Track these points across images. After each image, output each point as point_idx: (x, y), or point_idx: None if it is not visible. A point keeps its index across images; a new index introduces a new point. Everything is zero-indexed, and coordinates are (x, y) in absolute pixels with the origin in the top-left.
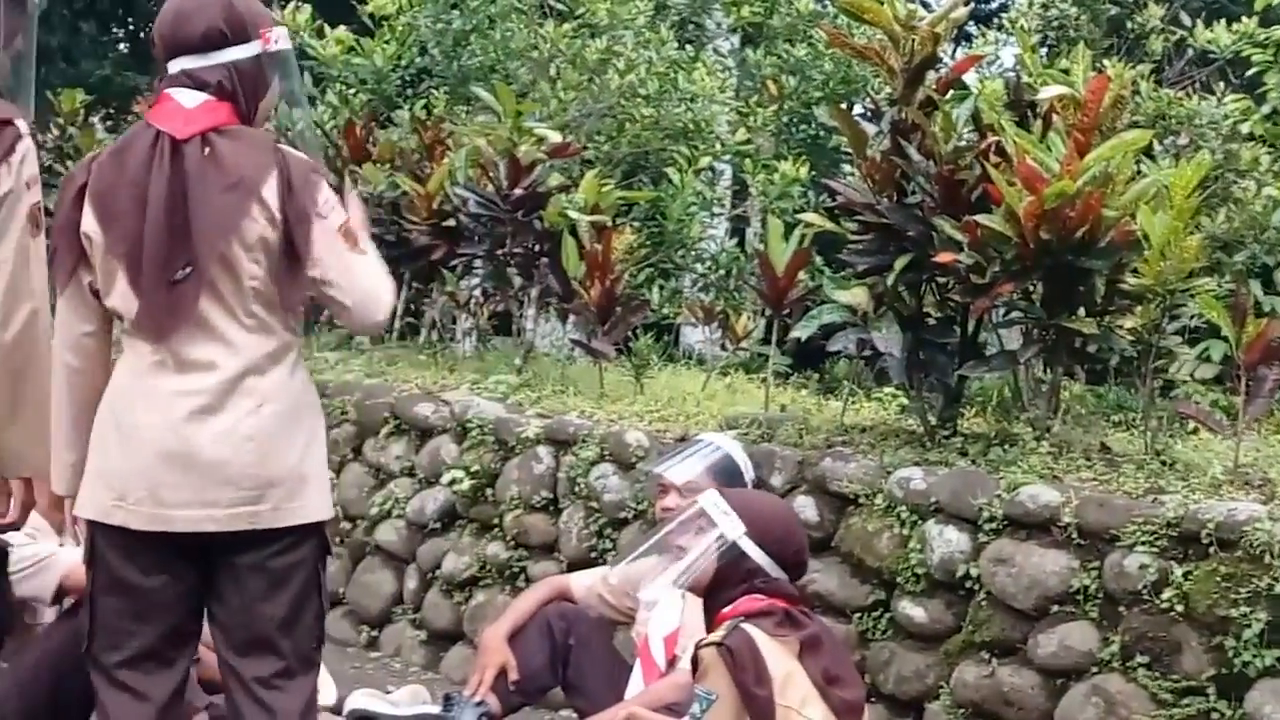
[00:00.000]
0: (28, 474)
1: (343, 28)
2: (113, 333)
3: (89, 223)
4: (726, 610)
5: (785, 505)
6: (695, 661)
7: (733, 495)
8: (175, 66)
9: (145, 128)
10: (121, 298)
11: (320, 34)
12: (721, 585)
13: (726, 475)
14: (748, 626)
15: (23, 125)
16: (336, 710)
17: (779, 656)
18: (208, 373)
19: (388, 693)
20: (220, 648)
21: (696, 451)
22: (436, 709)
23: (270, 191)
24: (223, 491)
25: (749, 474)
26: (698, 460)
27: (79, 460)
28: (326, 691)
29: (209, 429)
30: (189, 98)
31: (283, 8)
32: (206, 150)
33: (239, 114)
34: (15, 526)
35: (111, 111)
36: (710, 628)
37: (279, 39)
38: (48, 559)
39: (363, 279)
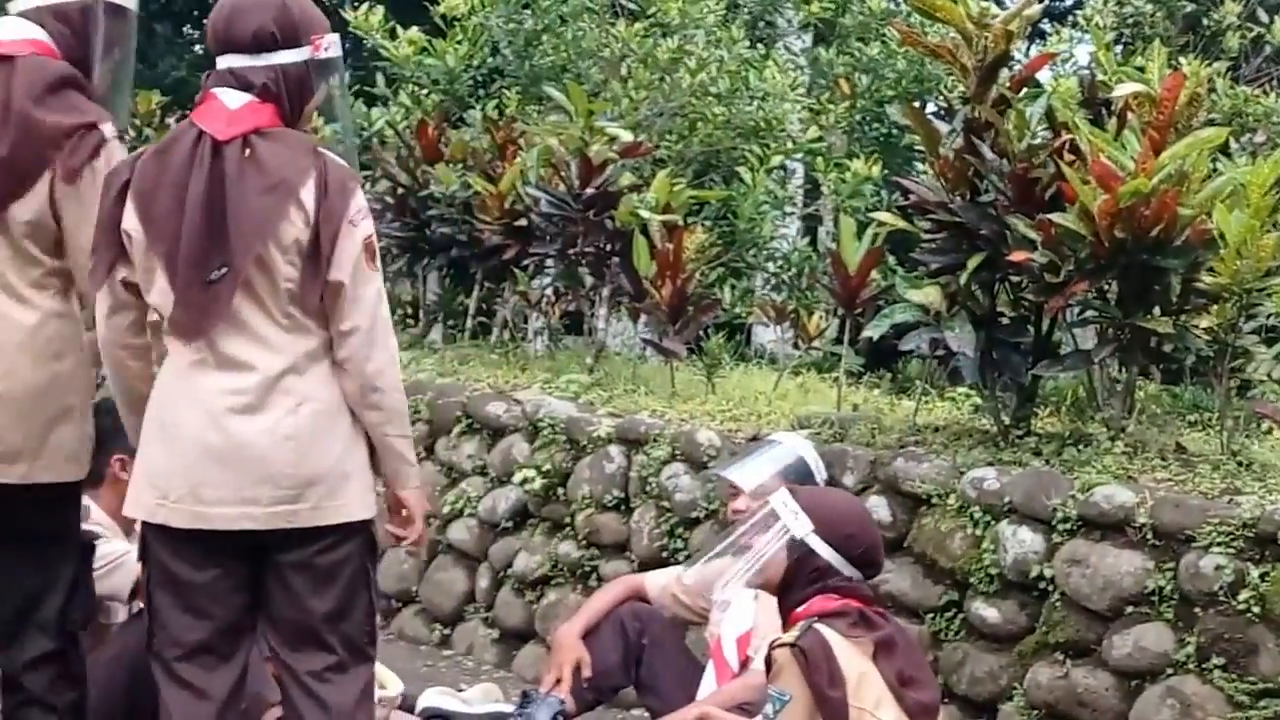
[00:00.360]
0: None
1: (415, 29)
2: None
3: (130, 220)
4: (800, 610)
5: (856, 503)
6: (769, 662)
7: (803, 493)
8: (223, 63)
9: (189, 127)
10: (160, 295)
11: (393, 35)
12: (792, 584)
13: (798, 476)
14: (821, 627)
15: (108, 130)
16: (409, 708)
17: (853, 657)
18: (248, 372)
19: (460, 691)
20: (273, 643)
21: (767, 453)
22: (509, 707)
23: (308, 194)
24: (262, 490)
25: (820, 474)
26: (768, 462)
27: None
28: (392, 684)
29: (249, 428)
30: (233, 98)
31: (355, 9)
32: (247, 152)
33: (282, 116)
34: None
35: (186, 112)
36: (784, 628)
37: (329, 46)
38: (123, 557)
39: (378, 305)
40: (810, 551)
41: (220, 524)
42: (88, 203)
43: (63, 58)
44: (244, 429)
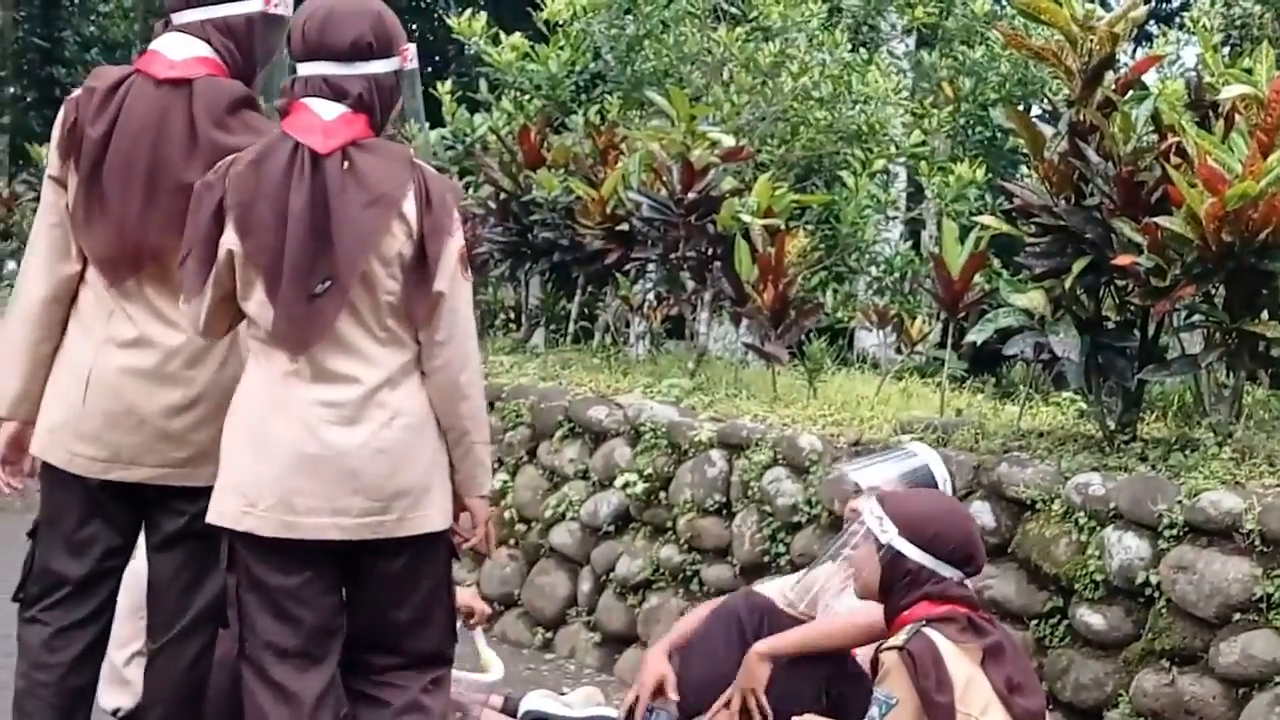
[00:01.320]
0: None
1: (518, 34)
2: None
3: (229, 235)
4: (905, 614)
5: (945, 501)
6: (874, 665)
7: (890, 498)
8: (314, 70)
9: (283, 138)
10: (258, 306)
11: (496, 40)
12: (890, 589)
13: (921, 485)
14: (930, 631)
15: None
16: (512, 711)
17: (961, 663)
18: (346, 385)
19: (562, 694)
20: (349, 644)
21: (894, 458)
22: (611, 711)
23: (410, 206)
24: (353, 501)
25: (946, 488)
26: (893, 466)
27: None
28: (495, 668)
29: (346, 440)
30: (327, 109)
31: (458, 15)
32: (346, 165)
33: (373, 126)
34: None
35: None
36: (890, 633)
37: (413, 57)
38: None
39: (469, 314)
40: (899, 555)
41: (310, 534)
42: None
43: (229, 73)
44: (340, 441)
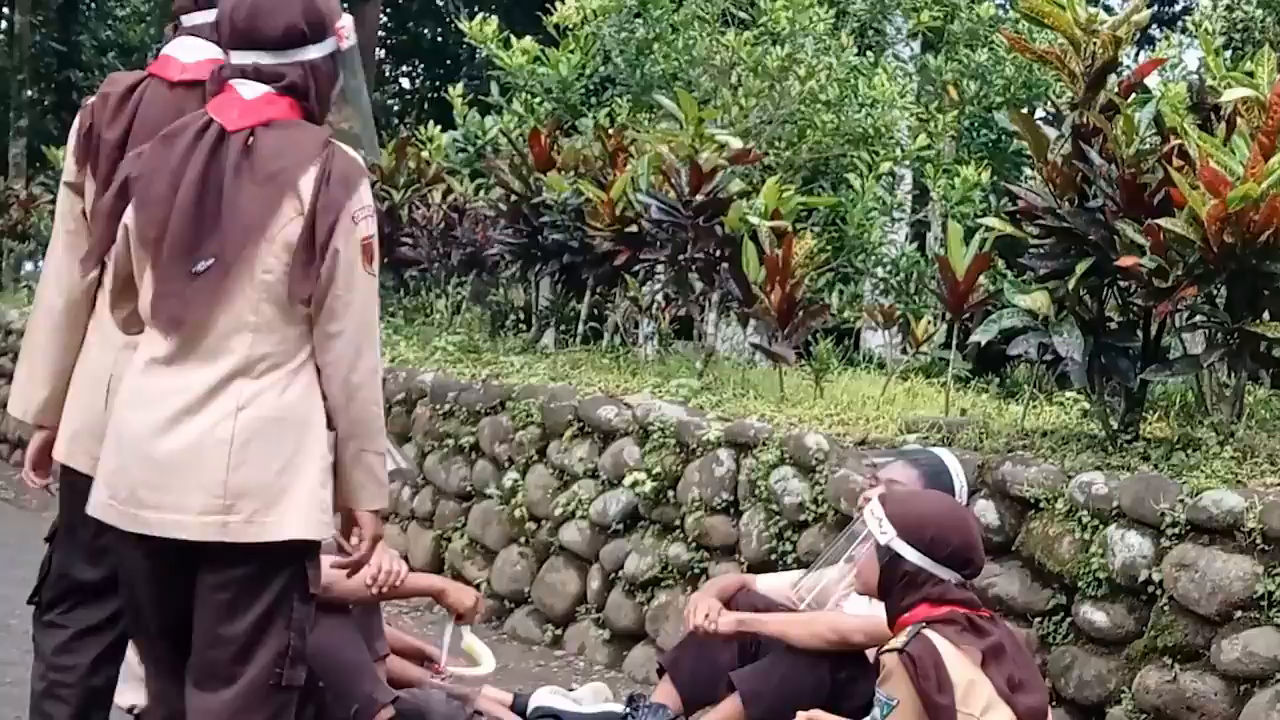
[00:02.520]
0: None
1: (528, 38)
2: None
3: (128, 211)
4: (906, 616)
5: (946, 504)
6: (876, 666)
7: (891, 499)
8: (246, 59)
9: (200, 115)
10: (146, 289)
11: (507, 44)
12: (889, 590)
13: (937, 487)
14: (930, 633)
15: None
16: (520, 710)
17: (961, 665)
18: (199, 370)
19: (571, 690)
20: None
21: (916, 458)
22: (619, 707)
23: (307, 183)
24: (193, 497)
25: (962, 491)
26: (913, 465)
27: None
28: (486, 661)
29: (186, 430)
30: (250, 89)
31: (470, 19)
32: (249, 141)
33: (306, 110)
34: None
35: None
36: (893, 633)
37: (350, 34)
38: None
39: (368, 310)
40: (898, 556)
41: (157, 530)
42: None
43: None
44: (182, 430)
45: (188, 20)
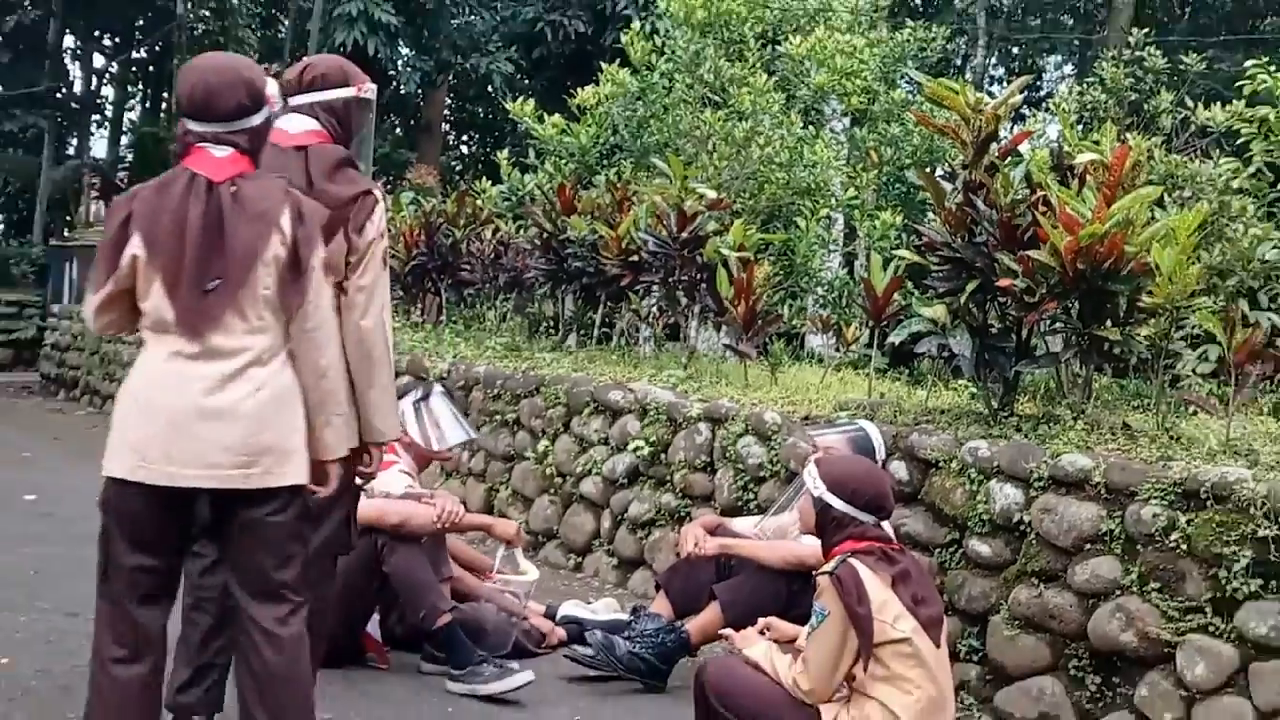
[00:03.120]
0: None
1: (557, 115)
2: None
3: (135, 244)
4: (835, 549)
5: (864, 465)
6: (814, 586)
7: (823, 462)
8: (206, 129)
9: (181, 170)
10: (156, 300)
11: (540, 120)
12: (823, 529)
13: (861, 450)
14: (854, 561)
15: (378, 192)
16: (551, 615)
17: (876, 585)
18: (221, 361)
19: (589, 603)
20: (234, 586)
21: (846, 428)
22: (625, 615)
23: (285, 220)
24: (223, 456)
25: (881, 453)
26: (843, 434)
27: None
28: (531, 571)
29: (217, 407)
30: (218, 150)
31: (513, 101)
32: (234, 190)
33: (254, 163)
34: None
35: (390, 178)
36: (825, 561)
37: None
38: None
39: (328, 310)
40: (828, 505)
41: (189, 482)
42: (369, 246)
43: (333, 140)
44: (213, 407)
45: (295, 101)
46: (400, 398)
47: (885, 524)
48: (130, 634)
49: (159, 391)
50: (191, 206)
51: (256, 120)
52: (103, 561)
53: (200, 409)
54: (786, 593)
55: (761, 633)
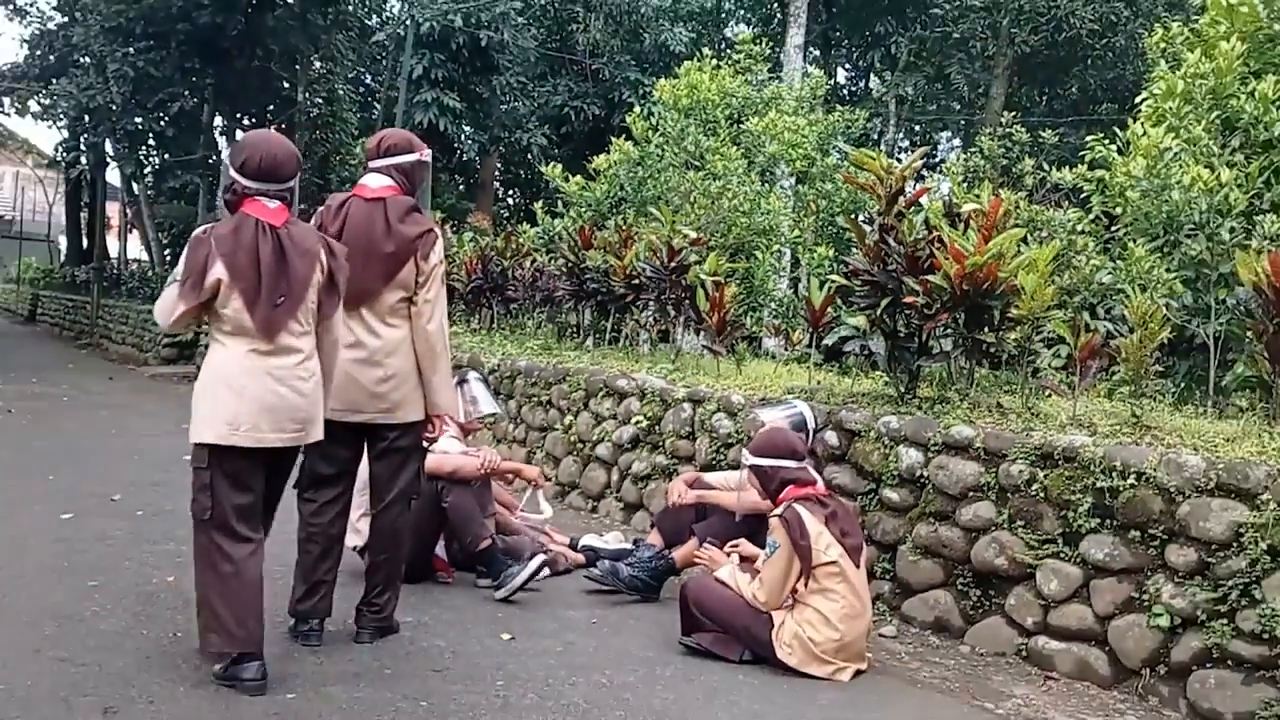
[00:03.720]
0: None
1: (579, 176)
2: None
3: (218, 269)
4: (780, 497)
5: (767, 433)
6: (768, 524)
7: (751, 443)
8: (264, 187)
9: (245, 217)
10: (234, 312)
11: (566, 179)
12: (765, 485)
13: (795, 425)
14: (796, 505)
15: (438, 230)
16: (573, 545)
17: (813, 522)
18: (286, 356)
19: (601, 536)
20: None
21: (782, 407)
22: (630, 545)
23: (323, 255)
24: (289, 424)
25: (812, 424)
26: (781, 412)
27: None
28: (547, 510)
29: (287, 391)
30: (271, 202)
31: (546, 166)
32: (288, 232)
33: (402, 189)
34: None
35: (455, 222)
36: (774, 507)
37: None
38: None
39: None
40: (758, 465)
41: (268, 444)
42: (433, 270)
43: (403, 193)
44: (284, 391)
45: (373, 164)
46: None
47: (811, 470)
48: (232, 548)
49: (246, 378)
50: (261, 244)
51: (294, 184)
52: (206, 505)
53: (275, 394)
54: (746, 530)
55: (730, 553)
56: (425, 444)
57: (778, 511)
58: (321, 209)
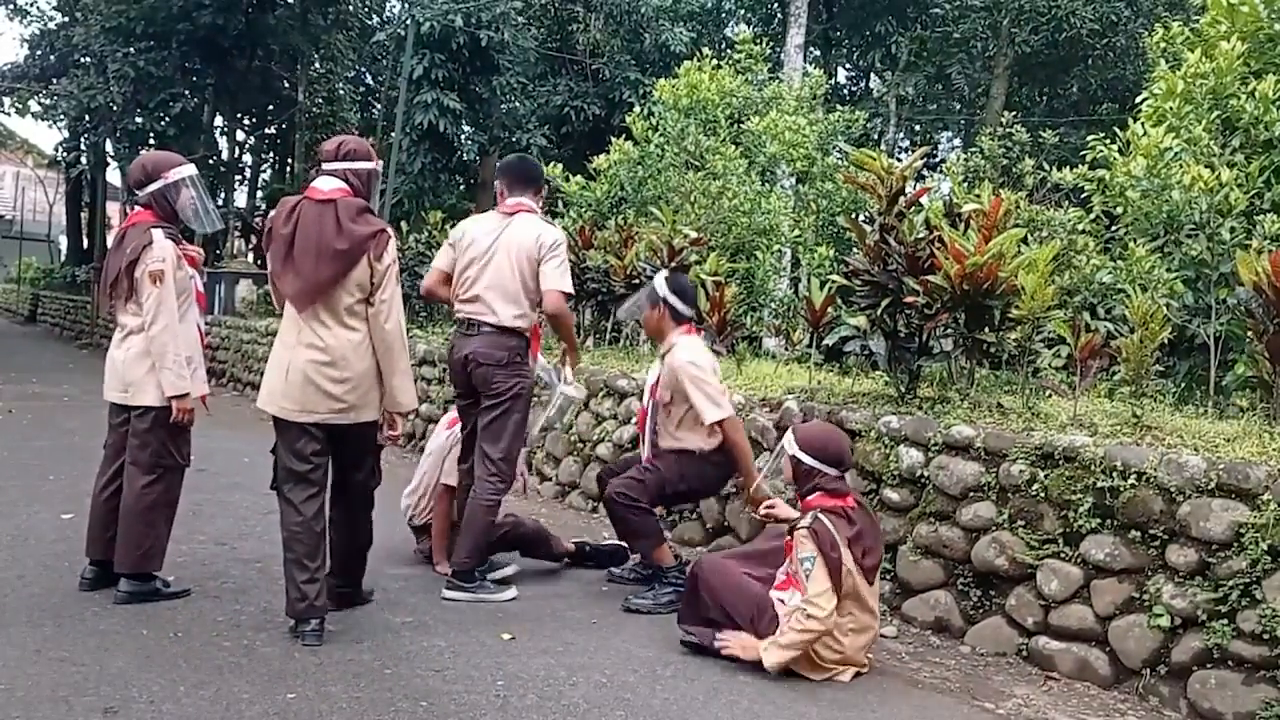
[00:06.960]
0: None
1: (579, 176)
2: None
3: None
4: (810, 500)
5: (829, 430)
6: (790, 535)
7: (798, 429)
8: (332, 168)
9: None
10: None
11: (567, 179)
12: (799, 479)
13: (649, 294)
14: (824, 518)
15: (389, 230)
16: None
17: (839, 539)
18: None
19: (604, 537)
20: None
21: (643, 290)
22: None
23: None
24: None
25: (662, 289)
26: (643, 294)
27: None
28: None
29: (320, 372)
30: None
31: (547, 165)
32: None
33: (355, 192)
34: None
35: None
36: (802, 511)
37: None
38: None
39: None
40: (799, 460)
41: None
42: (386, 270)
43: (355, 195)
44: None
45: (327, 167)
46: None
47: (846, 483)
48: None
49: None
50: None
51: (363, 168)
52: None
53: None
54: (718, 476)
55: (770, 508)
56: (386, 442)
57: (805, 523)
58: (273, 212)
